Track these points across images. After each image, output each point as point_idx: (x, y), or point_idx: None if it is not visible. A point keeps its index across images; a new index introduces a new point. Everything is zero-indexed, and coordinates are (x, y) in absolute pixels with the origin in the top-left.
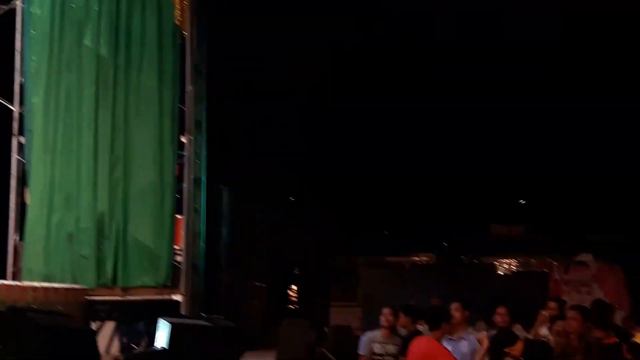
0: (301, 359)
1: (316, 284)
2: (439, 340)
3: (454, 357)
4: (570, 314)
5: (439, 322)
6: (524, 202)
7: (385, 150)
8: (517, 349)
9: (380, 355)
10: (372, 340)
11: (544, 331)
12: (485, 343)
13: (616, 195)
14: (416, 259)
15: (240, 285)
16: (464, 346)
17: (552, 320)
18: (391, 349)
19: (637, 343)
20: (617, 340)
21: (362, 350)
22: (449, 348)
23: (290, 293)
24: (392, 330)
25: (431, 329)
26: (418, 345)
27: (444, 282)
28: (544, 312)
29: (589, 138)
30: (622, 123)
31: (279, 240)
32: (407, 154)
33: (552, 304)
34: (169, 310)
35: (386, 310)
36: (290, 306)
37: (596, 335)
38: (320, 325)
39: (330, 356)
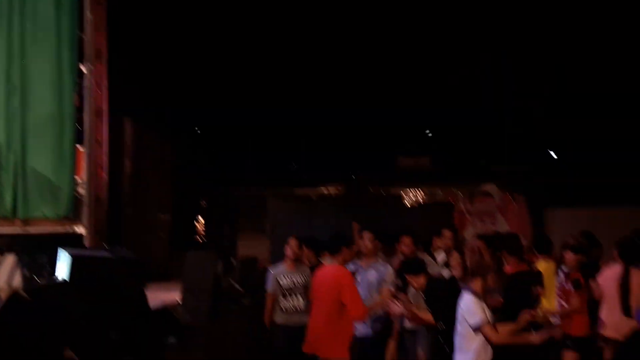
0: (207, 291)
1: (223, 215)
2: (341, 264)
3: (353, 282)
4: (477, 243)
5: (339, 247)
6: (430, 133)
7: (289, 82)
8: (420, 282)
9: (288, 287)
10: (277, 275)
11: (442, 257)
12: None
13: (520, 125)
14: (324, 190)
15: (144, 217)
16: (372, 275)
17: (447, 250)
18: (298, 279)
19: (538, 271)
20: (528, 268)
21: (268, 287)
22: (358, 277)
23: (196, 225)
24: (298, 261)
25: (332, 253)
26: (322, 272)
27: (351, 213)
28: (437, 240)
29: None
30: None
31: (185, 172)
32: (312, 87)
33: (447, 233)
34: (71, 242)
35: (292, 242)
36: (197, 238)
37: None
38: (227, 256)
39: (238, 287)
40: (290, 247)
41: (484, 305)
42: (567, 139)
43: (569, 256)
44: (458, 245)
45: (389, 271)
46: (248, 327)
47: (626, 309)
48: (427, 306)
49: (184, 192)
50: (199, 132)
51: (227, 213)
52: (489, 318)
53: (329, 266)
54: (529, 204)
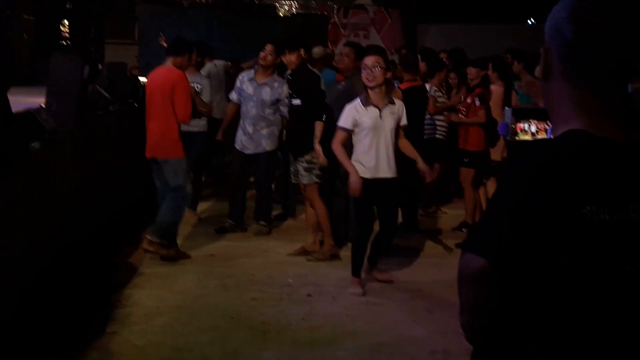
0: (73, 95)
1: (90, 19)
2: (182, 67)
3: (186, 83)
4: (345, 50)
5: (182, 51)
6: None
7: None
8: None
9: None
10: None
11: None
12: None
13: None
14: None
15: (7, 18)
16: (266, 92)
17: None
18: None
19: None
20: (422, 83)
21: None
22: (249, 89)
23: (62, 28)
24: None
25: (172, 54)
26: (157, 71)
27: (225, 23)
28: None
29: None
30: None
31: None
32: None
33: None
34: None
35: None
36: (62, 42)
37: (406, 79)
38: (94, 61)
39: (104, 93)
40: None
41: (360, 114)
42: None
43: (471, 71)
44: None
45: (284, 90)
46: (115, 133)
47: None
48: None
49: None
50: None
51: (93, 17)
52: (348, 126)
53: (163, 67)
54: (402, 19)
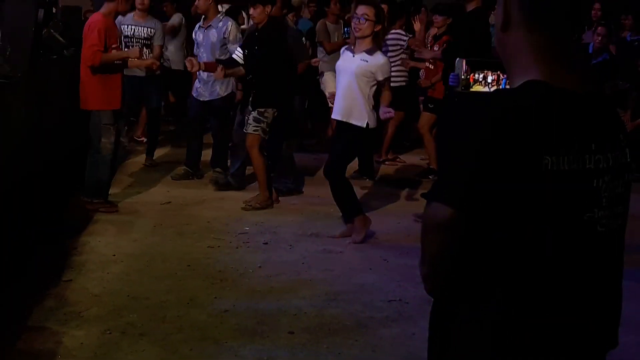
0: (27, 40)
1: None
2: (109, 13)
3: (100, 27)
4: None
5: None
6: None
7: None
8: None
9: (129, 37)
10: (121, 22)
11: None
12: None
13: None
14: None
15: None
16: (212, 35)
17: None
18: (142, 31)
19: None
20: None
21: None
22: (200, 36)
23: None
24: (148, 12)
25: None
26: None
27: None
28: None
29: None
30: None
31: None
32: None
33: None
34: None
35: None
36: None
37: None
38: (48, 4)
39: (59, 38)
40: None
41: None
42: None
43: (438, 19)
44: None
45: (228, 27)
46: (69, 78)
47: None
48: None
49: None
50: None
51: None
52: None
53: (96, 14)
54: None
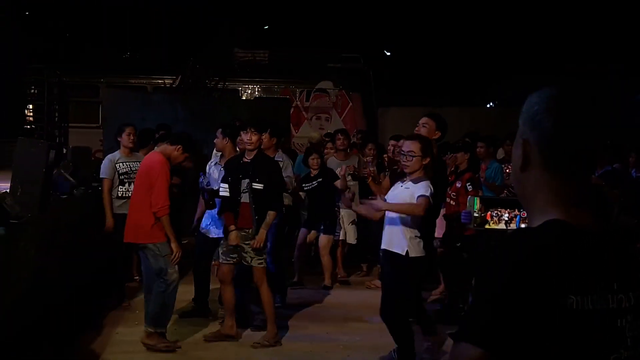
0: (38, 180)
1: (54, 102)
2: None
3: (165, 170)
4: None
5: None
6: (267, 27)
7: None
8: None
9: (125, 173)
10: (113, 160)
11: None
12: None
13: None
14: (159, 81)
15: None
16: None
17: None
18: (136, 166)
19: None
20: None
21: (103, 173)
22: (215, 172)
23: (26, 112)
24: (133, 150)
25: (142, 146)
26: (147, 157)
27: (189, 107)
28: None
29: None
30: None
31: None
32: None
33: None
34: None
35: (129, 129)
36: (26, 126)
37: None
38: (59, 145)
39: (69, 177)
40: (127, 135)
41: None
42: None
43: (461, 156)
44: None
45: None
46: (79, 217)
47: None
48: None
49: (13, 75)
50: (27, 13)
51: (58, 101)
52: None
53: (152, 154)
54: (363, 102)
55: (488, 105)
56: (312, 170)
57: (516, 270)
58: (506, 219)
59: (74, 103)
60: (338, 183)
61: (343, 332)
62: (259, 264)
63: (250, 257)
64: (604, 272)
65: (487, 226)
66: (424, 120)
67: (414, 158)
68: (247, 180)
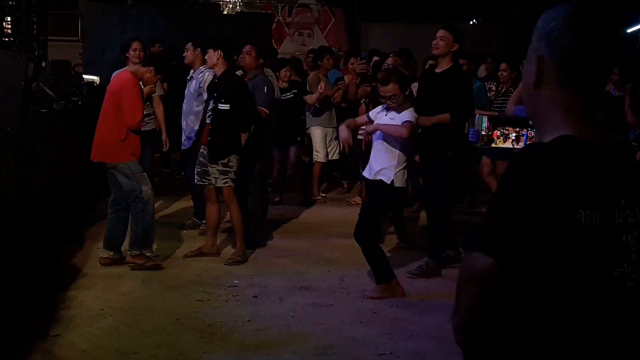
0: (17, 94)
1: (32, 15)
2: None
3: (134, 87)
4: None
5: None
6: None
7: None
8: None
9: None
10: None
11: None
12: None
13: None
14: None
15: None
16: (191, 85)
17: None
18: None
19: None
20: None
21: None
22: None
23: (4, 25)
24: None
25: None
26: (116, 76)
27: (169, 21)
28: None
29: None
30: None
31: None
32: None
33: None
34: None
35: (135, 44)
36: (4, 39)
37: None
38: (38, 59)
39: (49, 91)
40: (134, 50)
41: None
42: None
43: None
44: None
45: (205, 76)
46: (59, 132)
47: None
48: None
49: None
50: None
51: (36, 13)
52: None
53: (123, 72)
54: (346, 18)
55: (471, 22)
56: (281, 82)
57: (531, 183)
58: (513, 137)
59: (53, 15)
60: (309, 98)
61: (324, 248)
62: (224, 183)
63: (215, 177)
64: (612, 188)
65: (493, 145)
66: (441, 33)
67: (398, 98)
68: (212, 101)
